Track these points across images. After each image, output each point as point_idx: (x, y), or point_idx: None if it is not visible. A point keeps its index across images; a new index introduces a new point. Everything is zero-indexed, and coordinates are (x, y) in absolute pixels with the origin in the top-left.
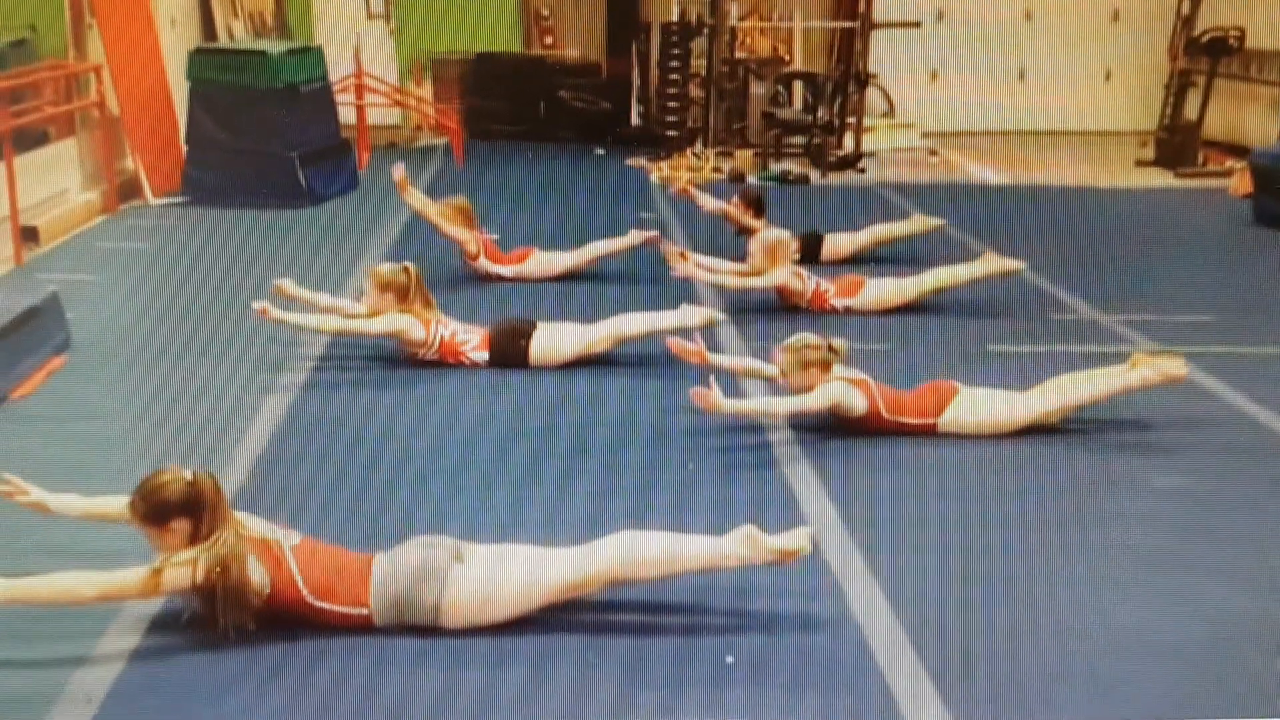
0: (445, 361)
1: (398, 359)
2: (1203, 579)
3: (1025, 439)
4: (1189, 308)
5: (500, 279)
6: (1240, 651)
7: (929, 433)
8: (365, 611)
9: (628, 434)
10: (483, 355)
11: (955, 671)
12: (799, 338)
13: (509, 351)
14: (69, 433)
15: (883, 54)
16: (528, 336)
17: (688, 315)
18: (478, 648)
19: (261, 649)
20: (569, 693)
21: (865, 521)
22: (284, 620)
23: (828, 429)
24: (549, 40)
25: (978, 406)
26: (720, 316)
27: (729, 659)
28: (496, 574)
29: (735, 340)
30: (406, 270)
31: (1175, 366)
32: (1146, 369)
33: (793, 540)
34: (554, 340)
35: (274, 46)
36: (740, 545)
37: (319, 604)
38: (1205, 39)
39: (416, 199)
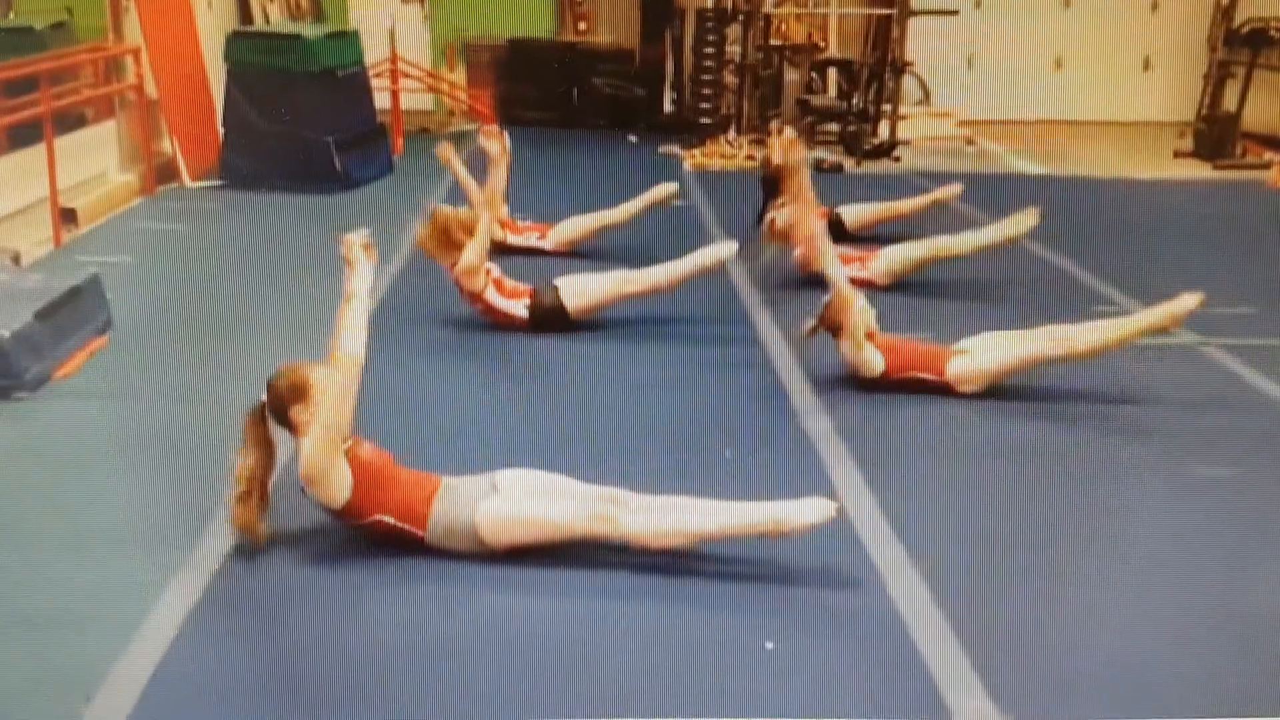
0: (489, 308)
1: (436, 331)
2: (1241, 570)
3: (1061, 422)
4: (1231, 300)
5: (540, 251)
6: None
7: (942, 367)
8: (420, 533)
9: (668, 412)
10: (524, 302)
11: (993, 650)
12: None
13: (546, 294)
14: (112, 412)
15: (919, 41)
16: (554, 288)
17: (710, 253)
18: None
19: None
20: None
21: (901, 505)
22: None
23: (864, 410)
24: (582, 26)
25: (994, 338)
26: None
27: (769, 644)
28: (527, 493)
29: (769, 322)
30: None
31: (1182, 305)
32: (1153, 315)
33: (815, 512)
34: (580, 283)
35: (311, 30)
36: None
37: (385, 519)
38: (1245, 30)
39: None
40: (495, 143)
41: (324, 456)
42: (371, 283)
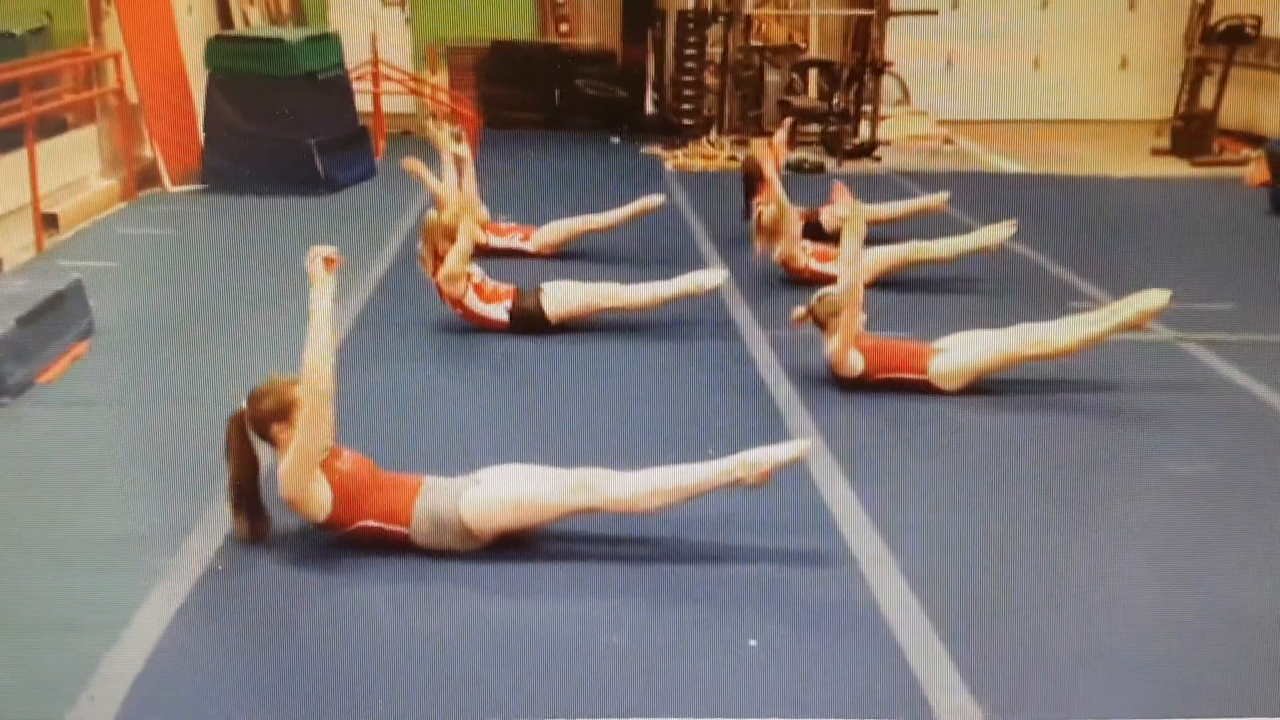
0: (469, 312)
1: (420, 333)
2: (1221, 566)
3: (1041, 419)
4: (1208, 296)
5: (522, 254)
6: (1258, 644)
7: (924, 365)
8: (405, 531)
9: (650, 411)
10: (505, 305)
11: (974, 647)
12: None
13: (528, 298)
14: (95, 416)
15: (898, 42)
16: (538, 291)
17: (697, 279)
18: (508, 576)
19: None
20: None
21: (883, 502)
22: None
23: (846, 407)
24: (564, 28)
25: (972, 337)
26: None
27: (752, 642)
28: (508, 479)
29: (751, 320)
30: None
31: (1154, 299)
32: (1127, 311)
33: (788, 450)
34: (564, 290)
35: (292, 34)
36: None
37: (369, 524)
38: (1222, 27)
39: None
40: (462, 146)
41: (300, 481)
42: (332, 298)
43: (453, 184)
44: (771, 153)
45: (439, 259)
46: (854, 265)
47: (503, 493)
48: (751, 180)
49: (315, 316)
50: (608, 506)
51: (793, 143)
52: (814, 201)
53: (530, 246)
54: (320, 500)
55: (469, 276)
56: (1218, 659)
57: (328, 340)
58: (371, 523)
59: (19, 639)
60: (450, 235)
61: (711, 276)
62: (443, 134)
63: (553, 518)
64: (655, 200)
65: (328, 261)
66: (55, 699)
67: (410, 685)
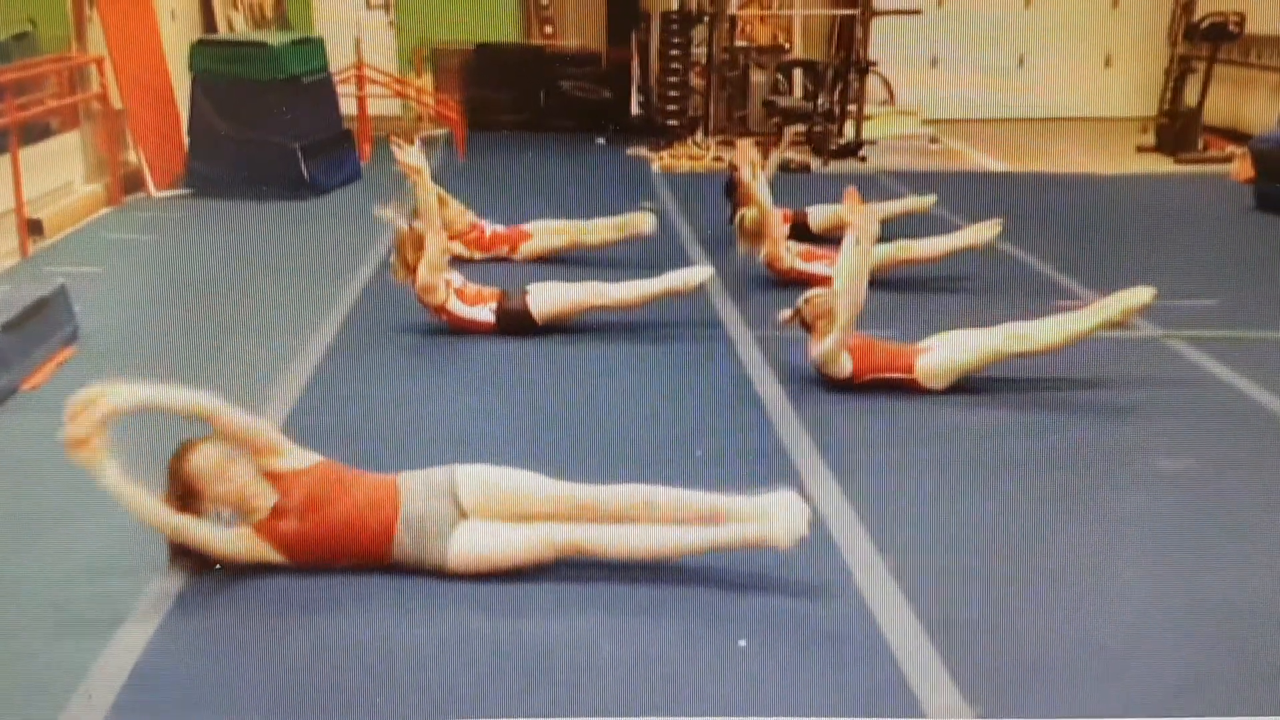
0: (453, 317)
1: (405, 337)
2: (1209, 561)
3: (1029, 418)
4: (1193, 292)
5: (507, 259)
6: (1248, 641)
7: (910, 364)
8: (386, 561)
9: (637, 412)
10: (490, 307)
11: (963, 646)
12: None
13: (514, 298)
14: None
15: (883, 42)
16: (524, 292)
17: (684, 276)
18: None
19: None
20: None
21: (871, 502)
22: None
23: (833, 407)
24: (549, 30)
25: (957, 335)
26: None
27: (741, 642)
28: (499, 530)
29: (739, 321)
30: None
31: (1138, 296)
32: (1111, 308)
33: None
34: (550, 290)
35: (275, 38)
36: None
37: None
38: (1205, 24)
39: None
40: (407, 155)
41: (234, 558)
42: (113, 469)
43: (426, 197)
44: (748, 157)
45: (411, 269)
46: (861, 266)
47: (492, 549)
48: (734, 186)
49: (122, 501)
50: (600, 558)
51: (777, 142)
52: (799, 201)
53: (517, 257)
54: (268, 559)
55: (448, 283)
56: (1208, 656)
57: (143, 505)
58: (343, 563)
59: (9, 645)
60: (420, 245)
61: (697, 273)
62: (404, 153)
63: (540, 563)
64: (647, 222)
65: (95, 417)
66: (39, 708)
67: (400, 691)
